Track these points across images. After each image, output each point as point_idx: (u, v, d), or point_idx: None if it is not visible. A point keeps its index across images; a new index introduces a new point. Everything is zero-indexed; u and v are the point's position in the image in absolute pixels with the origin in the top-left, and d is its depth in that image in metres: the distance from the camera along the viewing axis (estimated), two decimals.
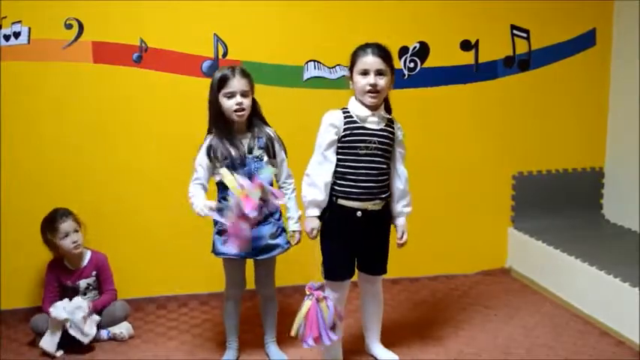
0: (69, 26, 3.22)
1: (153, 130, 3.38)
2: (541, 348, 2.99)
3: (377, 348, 2.90)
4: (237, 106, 2.61)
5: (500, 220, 3.92)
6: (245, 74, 2.66)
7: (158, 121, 3.38)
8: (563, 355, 2.92)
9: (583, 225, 3.86)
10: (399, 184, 2.70)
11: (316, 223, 2.62)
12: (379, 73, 2.53)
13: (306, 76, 3.52)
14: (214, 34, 3.38)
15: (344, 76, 3.32)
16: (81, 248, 3.12)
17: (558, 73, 3.85)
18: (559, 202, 3.93)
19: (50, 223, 3.07)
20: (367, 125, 2.60)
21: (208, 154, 2.67)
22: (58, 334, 2.94)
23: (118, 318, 3.12)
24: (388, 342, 2.97)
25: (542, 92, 3.85)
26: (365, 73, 2.54)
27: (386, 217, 2.71)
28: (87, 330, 2.97)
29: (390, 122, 2.67)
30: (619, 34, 3.86)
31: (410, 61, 3.64)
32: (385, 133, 2.62)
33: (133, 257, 3.41)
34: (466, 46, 3.71)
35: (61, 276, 3.11)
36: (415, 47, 3.63)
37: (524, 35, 3.77)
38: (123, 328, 3.11)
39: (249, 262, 2.82)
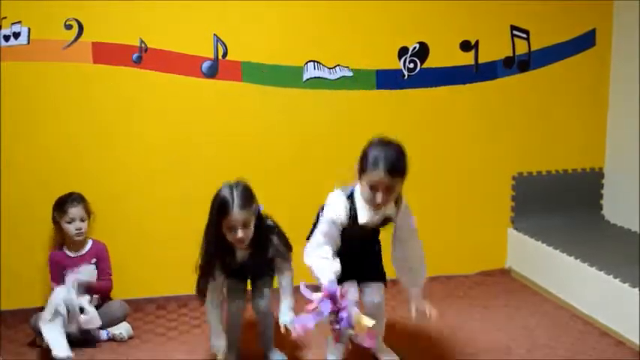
0: (69, 27, 3.22)
1: (153, 131, 3.38)
2: (541, 348, 2.98)
3: (381, 349, 2.89)
4: (238, 239, 2.51)
5: (500, 220, 3.92)
6: (245, 203, 2.50)
7: (158, 122, 3.39)
8: (563, 356, 2.91)
9: (583, 225, 3.86)
10: (408, 258, 2.69)
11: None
12: (387, 189, 2.41)
13: (305, 76, 3.52)
14: (214, 34, 3.38)
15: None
16: (83, 236, 3.16)
17: (558, 73, 3.85)
18: (559, 203, 3.93)
19: (60, 205, 3.14)
20: (367, 223, 2.54)
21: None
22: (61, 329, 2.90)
23: (117, 318, 3.13)
24: (388, 342, 2.96)
25: (542, 93, 3.85)
26: (373, 188, 2.41)
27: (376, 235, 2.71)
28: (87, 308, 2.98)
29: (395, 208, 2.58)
30: (619, 34, 3.86)
31: (410, 62, 3.64)
32: (381, 222, 2.59)
33: (132, 257, 3.41)
34: (466, 46, 3.71)
35: (62, 264, 3.13)
36: (415, 48, 3.63)
37: (524, 36, 3.77)
38: (122, 329, 3.11)
39: None
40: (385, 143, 2.47)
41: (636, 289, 2.94)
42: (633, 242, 3.58)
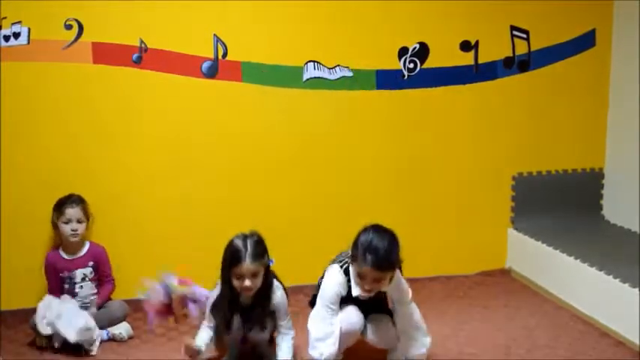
0: (69, 27, 3.22)
1: (153, 131, 3.38)
2: (541, 348, 2.98)
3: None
4: (245, 287, 2.57)
5: (500, 220, 3.92)
6: (257, 254, 2.57)
7: (158, 122, 3.38)
8: (563, 356, 2.91)
9: (583, 226, 3.86)
10: (399, 325, 2.70)
11: None
12: (375, 280, 2.47)
13: (305, 76, 3.52)
14: (214, 34, 3.38)
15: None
16: (78, 238, 3.15)
17: (558, 73, 3.85)
18: (559, 203, 3.93)
19: (59, 205, 3.14)
20: (361, 296, 2.58)
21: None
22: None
23: (117, 318, 3.13)
24: None
25: (541, 93, 3.85)
26: (361, 277, 2.49)
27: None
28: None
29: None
30: (619, 34, 3.86)
31: (410, 62, 3.64)
32: (376, 295, 2.61)
33: (132, 257, 3.41)
34: (466, 46, 3.71)
35: (57, 266, 3.14)
36: (415, 48, 3.63)
37: (524, 36, 3.77)
38: (122, 329, 3.11)
39: None
40: (378, 233, 2.50)
41: (636, 289, 2.94)
42: (633, 242, 3.58)
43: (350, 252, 2.56)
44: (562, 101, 3.89)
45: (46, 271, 3.17)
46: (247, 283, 2.55)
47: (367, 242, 2.46)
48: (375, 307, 2.74)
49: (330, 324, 2.60)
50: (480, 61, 3.73)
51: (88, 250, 3.21)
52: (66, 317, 2.92)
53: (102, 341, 3.07)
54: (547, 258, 3.56)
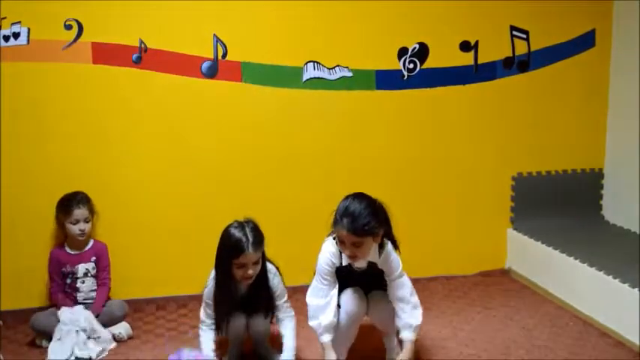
0: (68, 27, 3.22)
1: (152, 131, 3.38)
2: (541, 349, 2.98)
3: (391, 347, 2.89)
4: (247, 276, 2.59)
5: (500, 221, 3.92)
6: (258, 242, 2.59)
7: (158, 122, 3.38)
8: (563, 356, 2.91)
9: (582, 226, 3.86)
10: (390, 298, 2.71)
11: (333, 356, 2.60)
12: (354, 244, 2.48)
13: (305, 77, 3.52)
14: (214, 34, 3.38)
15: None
16: (85, 236, 3.18)
17: (558, 74, 3.85)
18: (558, 203, 3.93)
19: (65, 206, 3.14)
20: (354, 266, 2.63)
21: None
22: (68, 342, 2.91)
23: (117, 317, 3.13)
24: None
25: (541, 93, 3.85)
26: (341, 242, 2.52)
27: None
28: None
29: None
30: (618, 34, 3.86)
31: (409, 62, 3.64)
32: (372, 268, 2.65)
33: (132, 258, 3.41)
34: (465, 46, 3.71)
35: (61, 261, 3.14)
36: (415, 48, 3.64)
37: (524, 36, 3.77)
38: (122, 329, 3.11)
39: None
40: (356, 199, 2.51)
41: (636, 290, 2.94)
42: (633, 242, 3.58)
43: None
44: (562, 101, 3.89)
45: (50, 267, 3.18)
46: (250, 271, 2.57)
47: (344, 207, 2.49)
48: (375, 282, 2.73)
49: (326, 295, 2.63)
50: (480, 61, 3.73)
51: (92, 246, 3.24)
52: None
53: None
54: (547, 258, 3.56)
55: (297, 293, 3.30)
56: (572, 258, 3.37)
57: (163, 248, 3.46)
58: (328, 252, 2.64)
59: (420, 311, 2.69)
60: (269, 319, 2.80)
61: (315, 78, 3.53)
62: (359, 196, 2.53)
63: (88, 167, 3.33)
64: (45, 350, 2.99)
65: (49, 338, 2.99)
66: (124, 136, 3.36)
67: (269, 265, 2.73)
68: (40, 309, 3.17)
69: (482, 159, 3.83)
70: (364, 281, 2.73)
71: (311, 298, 2.67)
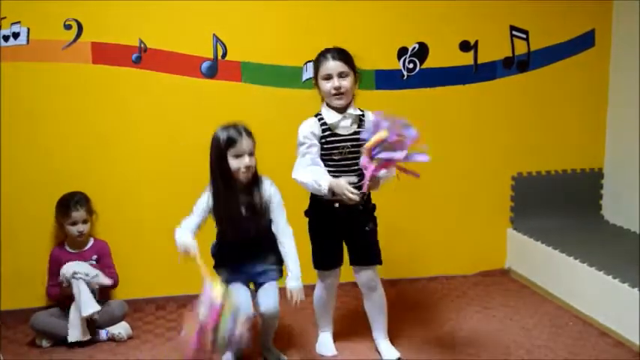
0: (68, 27, 3.22)
1: (152, 131, 3.39)
2: (540, 349, 2.98)
3: (381, 344, 2.93)
4: (245, 167, 2.65)
5: (500, 220, 3.92)
6: (250, 133, 2.69)
7: (158, 122, 3.39)
8: (563, 356, 2.91)
9: (582, 226, 3.85)
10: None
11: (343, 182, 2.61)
12: (341, 75, 2.67)
13: (305, 76, 3.52)
14: (213, 34, 3.38)
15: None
16: (84, 237, 3.18)
17: (557, 73, 3.85)
18: (558, 203, 3.93)
19: (64, 208, 3.14)
20: (339, 132, 2.71)
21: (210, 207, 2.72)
22: (78, 321, 2.97)
23: (117, 317, 3.13)
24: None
25: (541, 93, 3.85)
26: (328, 77, 2.68)
27: (365, 208, 2.78)
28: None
29: (361, 120, 2.77)
30: (618, 34, 3.86)
31: (409, 62, 3.64)
32: (356, 136, 2.71)
33: (132, 258, 3.41)
34: (465, 46, 3.71)
35: (62, 260, 3.12)
36: (414, 48, 3.64)
37: (524, 36, 3.77)
38: (121, 329, 3.11)
39: None
40: (330, 48, 2.73)
41: (636, 289, 2.94)
42: (633, 242, 3.57)
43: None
44: (562, 101, 3.89)
45: (50, 266, 3.17)
46: (247, 160, 2.64)
47: (325, 49, 2.72)
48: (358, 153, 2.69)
49: (312, 166, 2.67)
50: (480, 61, 3.73)
51: (92, 245, 3.24)
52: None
53: (101, 341, 3.08)
54: (547, 258, 3.56)
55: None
56: (572, 258, 3.36)
57: (163, 248, 3.45)
58: (306, 124, 2.72)
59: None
60: (277, 295, 2.72)
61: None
62: (330, 47, 2.74)
63: (88, 167, 3.33)
64: (45, 350, 3.00)
65: (49, 338, 3.01)
66: (124, 136, 3.36)
67: (265, 186, 2.76)
68: (40, 309, 3.17)
69: (482, 159, 3.83)
70: (350, 153, 2.70)
71: (299, 175, 2.68)
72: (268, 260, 2.79)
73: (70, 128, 3.30)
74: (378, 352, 2.91)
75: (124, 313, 3.18)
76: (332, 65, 2.67)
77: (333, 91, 2.67)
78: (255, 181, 2.73)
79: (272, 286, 2.77)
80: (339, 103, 2.70)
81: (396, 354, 2.87)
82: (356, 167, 2.67)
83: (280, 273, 2.81)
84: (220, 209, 2.70)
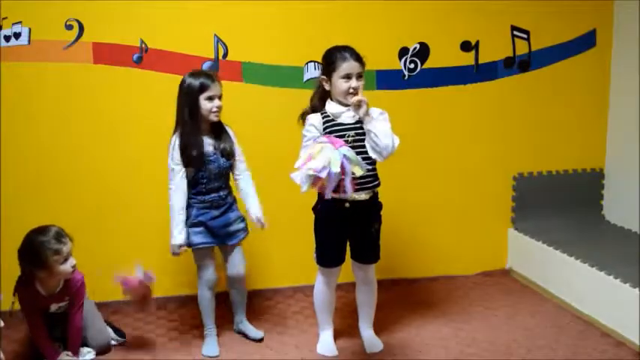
0: (69, 27, 3.22)
1: (153, 131, 3.38)
2: (541, 349, 2.98)
3: (366, 333, 2.99)
4: (217, 108, 2.86)
5: (501, 220, 3.92)
6: (218, 79, 2.92)
7: (158, 122, 3.38)
8: (564, 356, 2.91)
9: (583, 226, 3.86)
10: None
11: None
12: (359, 76, 2.72)
13: (306, 76, 3.52)
14: (214, 34, 3.38)
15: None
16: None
17: (558, 73, 3.85)
18: (559, 203, 3.93)
19: (49, 248, 2.67)
20: (342, 120, 2.74)
21: (182, 153, 2.85)
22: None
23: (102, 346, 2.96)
24: (387, 342, 2.99)
25: (542, 93, 3.85)
26: (348, 77, 2.70)
27: (374, 207, 2.81)
28: None
29: None
30: (619, 34, 3.86)
31: (410, 62, 3.64)
32: (359, 124, 2.73)
33: (132, 258, 3.40)
34: (466, 46, 3.71)
35: (35, 302, 2.82)
36: (415, 48, 3.64)
37: (525, 36, 3.77)
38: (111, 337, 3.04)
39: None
40: (340, 46, 2.76)
41: (636, 289, 2.94)
42: (633, 242, 3.58)
43: (320, 85, 2.80)
44: (562, 101, 3.90)
45: (30, 313, 2.84)
46: (218, 102, 2.86)
47: (335, 47, 2.76)
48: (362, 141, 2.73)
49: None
50: (481, 61, 3.73)
51: (65, 284, 2.83)
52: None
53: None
54: (547, 258, 3.56)
55: (298, 293, 3.30)
56: (572, 258, 3.37)
57: (163, 248, 3.46)
58: (315, 116, 2.77)
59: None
60: (243, 256, 2.99)
61: (315, 78, 3.52)
62: (338, 45, 2.77)
63: (88, 167, 3.33)
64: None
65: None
66: (125, 136, 3.36)
67: (228, 131, 2.99)
68: None
69: (483, 159, 3.83)
70: (354, 141, 2.72)
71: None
72: (235, 207, 3.01)
73: (71, 128, 3.29)
74: (362, 341, 2.97)
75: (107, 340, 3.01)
76: (354, 65, 2.70)
77: (351, 90, 2.70)
78: (221, 127, 2.96)
79: (239, 250, 3.00)
80: (354, 99, 2.73)
81: (380, 345, 2.94)
82: (362, 156, 2.68)
83: (246, 230, 3.01)
84: (191, 148, 2.84)
